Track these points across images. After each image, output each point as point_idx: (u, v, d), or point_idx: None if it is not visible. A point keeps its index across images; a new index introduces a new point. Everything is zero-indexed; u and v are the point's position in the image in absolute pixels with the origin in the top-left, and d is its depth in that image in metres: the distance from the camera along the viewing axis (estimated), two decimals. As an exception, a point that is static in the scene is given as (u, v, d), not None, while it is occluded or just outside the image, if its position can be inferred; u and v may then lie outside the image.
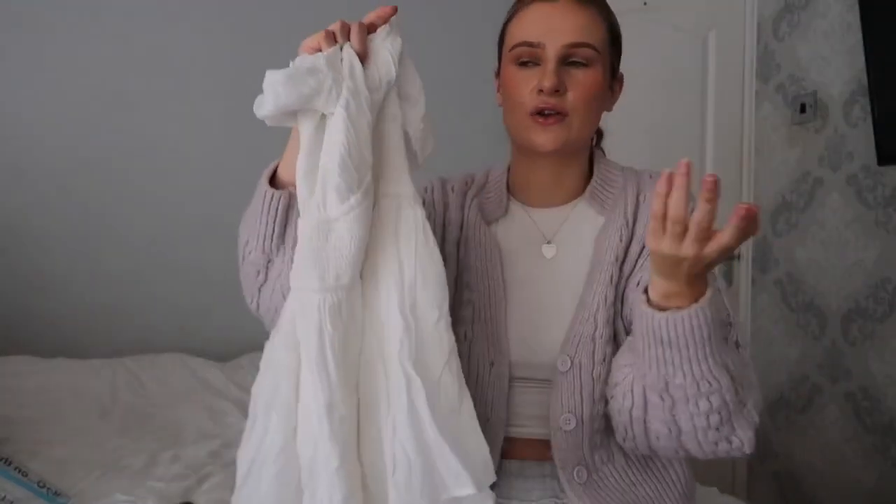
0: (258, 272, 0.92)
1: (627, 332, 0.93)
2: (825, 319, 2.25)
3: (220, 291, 2.28)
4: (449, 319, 0.81)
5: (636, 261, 0.95)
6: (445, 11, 2.50)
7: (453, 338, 0.81)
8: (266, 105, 0.82)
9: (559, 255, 0.99)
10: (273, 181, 0.91)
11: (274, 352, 0.83)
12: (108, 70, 2.14)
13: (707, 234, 0.73)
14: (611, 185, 1.01)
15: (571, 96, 0.93)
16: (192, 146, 2.24)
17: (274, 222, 0.88)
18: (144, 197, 2.18)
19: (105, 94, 2.14)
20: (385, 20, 0.86)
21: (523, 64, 0.95)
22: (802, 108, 2.33)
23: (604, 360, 0.91)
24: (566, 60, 0.93)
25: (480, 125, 2.45)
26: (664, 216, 0.75)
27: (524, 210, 1.03)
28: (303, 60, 0.82)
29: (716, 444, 0.82)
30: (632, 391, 0.84)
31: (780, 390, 2.44)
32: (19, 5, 2.05)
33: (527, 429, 0.95)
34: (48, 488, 1.30)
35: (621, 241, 0.95)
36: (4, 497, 1.25)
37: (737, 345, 0.88)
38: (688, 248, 0.73)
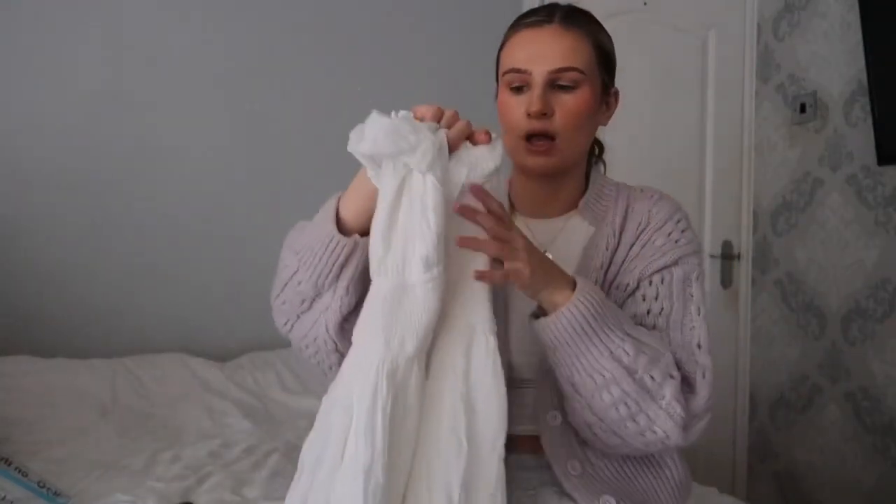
0: (303, 301, 0.92)
1: None
2: (825, 319, 2.25)
3: (220, 291, 2.28)
4: (503, 453, 0.80)
5: (620, 265, 1.00)
6: (450, 13, 2.50)
7: (503, 469, 0.80)
8: (363, 145, 0.81)
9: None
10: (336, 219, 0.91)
11: (330, 408, 0.82)
12: (109, 70, 2.14)
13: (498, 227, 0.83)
14: (603, 198, 1.06)
15: (559, 119, 0.97)
16: (193, 145, 2.23)
17: (333, 265, 0.88)
18: (144, 197, 2.18)
19: (105, 94, 2.14)
20: (486, 140, 0.87)
21: (514, 89, 1.00)
22: (802, 108, 2.33)
23: None
24: (553, 84, 0.97)
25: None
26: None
27: (523, 221, 1.07)
28: (408, 118, 0.83)
29: (642, 434, 0.88)
30: (566, 395, 0.91)
31: (780, 390, 2.44)
32: (19, 5, 2.05)
33: (521, 426, 0.97)
34: (48, 488, 1.30)
35: (607, 249, 1.01)
36: (4, 497, 1.25)
37: (699, 346, 0.95)
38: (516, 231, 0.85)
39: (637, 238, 1.01)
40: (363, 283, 0.87)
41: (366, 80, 2.40)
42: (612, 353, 0.86)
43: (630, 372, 0.86)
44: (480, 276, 0.82)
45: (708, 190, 2.62)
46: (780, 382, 2.44)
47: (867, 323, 2.10)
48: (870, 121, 2.02)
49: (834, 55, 2.22)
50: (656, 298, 0.96)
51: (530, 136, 0.98)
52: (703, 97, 2.61)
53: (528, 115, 0.97)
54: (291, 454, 1.55)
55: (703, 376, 0.93)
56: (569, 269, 0.98)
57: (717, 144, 2.61)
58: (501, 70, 1.03)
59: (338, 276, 0.88)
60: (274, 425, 1.78)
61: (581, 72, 0.97)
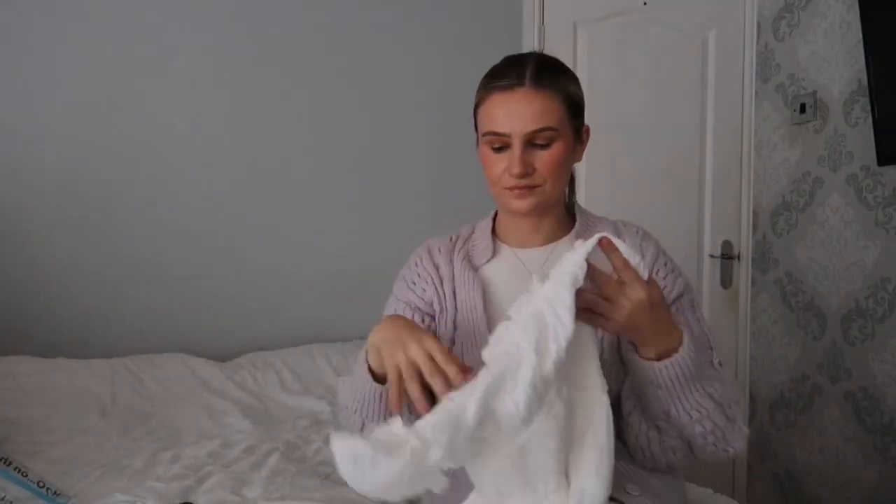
0: (363, 427, 1.04)
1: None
2: (825, 319, 2.25)
3: (220, 291, 2.28)
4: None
5: None
6: (450, 13, 2.50)
7: None
8: (352, 483, 0.74)
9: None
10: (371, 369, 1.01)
11: None
12: (109, 70, 2.14)
13: (632, 271, 0.90)
14: (593, 229, 1.15)
15: (539, 172, 1.07)
16: (194, 146, 2.23)
17: (379, 408, 1.01)
18: (145, 197, 2.18)
19: (105, 94, 2.14)
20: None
21: (495, 149, 1.08)
22: (802, 108, 2.33)
23: (617, 403, 1.02)
24: (530, 141, 1.06)
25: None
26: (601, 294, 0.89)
27: (511, 251, 1.17)
28: (380, 433, 0.74)
29: (715, 454, 1.00)
30: (643, 419, 1.00)
31: (780, 390, 2.44)
32: (19, 4, 2.05)
33: None
34: (48, 488, 1.30)
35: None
36: (4, 497, 1.25)
37: (720, 364, 1.05)
38: (635, 292, 0.89)
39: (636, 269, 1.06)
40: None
41: (367, 82, 2.40)
42: (708, 392, 0.96)
43: (721, 406, 0.97)
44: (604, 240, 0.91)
45: (708, 190, 2.62)
46: (780, 382, 2.44)
47: (867, 323, 2.10)
48: (870, 121, 2.02)
49: (834, 55, 2.22)
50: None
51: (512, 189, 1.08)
52: (703, 97, 2.61)
53: (511, 175, 1.06)
54: (291, 454, 1.55)
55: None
56: None
57: (717, 144, 2.61)
58: (480, 130, 1.11)
59: (387, 415, 0.98)
60: (274, 425, 1.78)
61: (554, 129, 1.05)
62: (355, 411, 1.04)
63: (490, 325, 1.08)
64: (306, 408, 1.93)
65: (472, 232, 1.22)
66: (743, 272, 2.61)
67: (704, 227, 2.62)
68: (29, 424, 1.68)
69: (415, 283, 1.17)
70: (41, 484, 1.30)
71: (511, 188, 1.08)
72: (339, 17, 2.38)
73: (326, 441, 1.63)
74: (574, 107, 1.10)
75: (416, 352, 0.88)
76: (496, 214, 1.22)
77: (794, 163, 2.39)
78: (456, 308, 1.13)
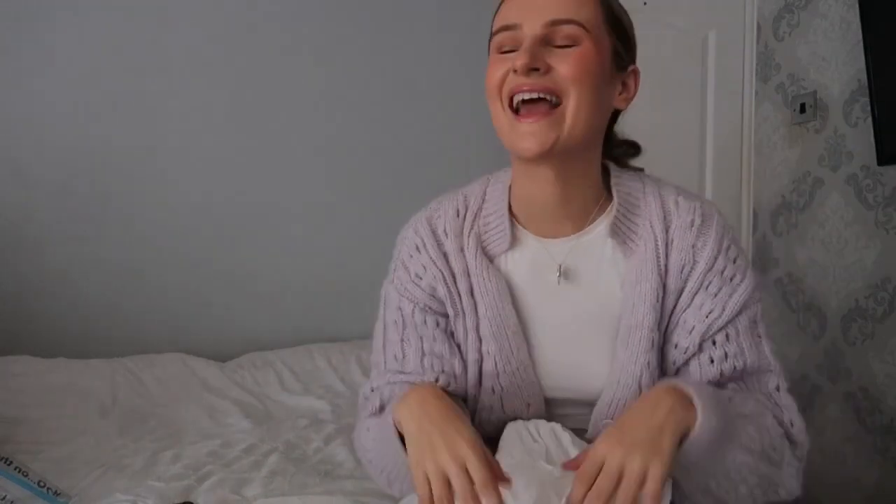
0: (389, 486, 0.91)
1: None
2: (825, 319, 2.25)
3: (220, 291, 2.28)
4: None
5: (669, 317, 0.89)
6: (450, 13, 2.50)
7: None
8: None
9: (573, 285, 0.91)
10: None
11: None
12: (108, 70, 2.14)
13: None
14: (633, 215, 0.90)
15: (557, 75, 0.80)
16: (194, 147, 2.24)
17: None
18: (144, 196, 2.18)
19: (105, 94, 2.14)
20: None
21: (503, 53, 0.84)
22: (802, 108, 2.33)
23: None
24: (549, 42, 0.81)
25: (481, 132, 2.46)
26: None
27: (535, 240, 0.92)
28: None
29: (766, 499, 0.82)
30: (681, 487, 0.81)
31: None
32: (19, 4, 2.05)
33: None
34: (48, 488, 1.30)
35: (658, 300, 0.87)
36: (4, 497, 1.25)
37: (777, 388, 0.88)
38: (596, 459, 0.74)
39: (685, 283, 0.88)
40: None
41: (367, 82, 2.40)
42: (747, 447, 0.79)
43: (760, 456, 0.80)
44: None
45: (708, 190, 2.62)
46: (780, 382, 2.44)
47: (867, 323, 2.10)
48: (870, 121, 2.02)
49: (834, 55, 2.22)
50: (726, 358, 0.87)
51: (516, 110, 0.82)
52: (703, 97, 2.61)
53: (515, 71, 0.80)
54: (291, 454, 1.55)
55: (792, 424, 0.86)
56: (601, 299, 0.89)
57: (717, 144, 2.61)
58: (491, 38, 0.87)
59: None
60: (274, 425, 1.78)
61: (582, 26, 0.80)
62: (385, 480, 0.90)
63: (524, 333, 0.90)
64: (306, 407, 1.93)
65: (484, 200, 0.95)
66: (743, 272, 2.61)
67: (704, 227, 2.62)
68: (29, 424, 1.68)
69: (421, 278, 0.93)
70: (41, 484, 1.30)
71: (514, 98, 0.81)
72: (339, 17, 2.38)
73: (326, 441, 1.64)
74: (615, 21, 0.85)
75: (447, 462, 0.72)
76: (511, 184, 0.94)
77: (794, 163, 2.39)
78: (477, 313, 0.91)
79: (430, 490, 0.72)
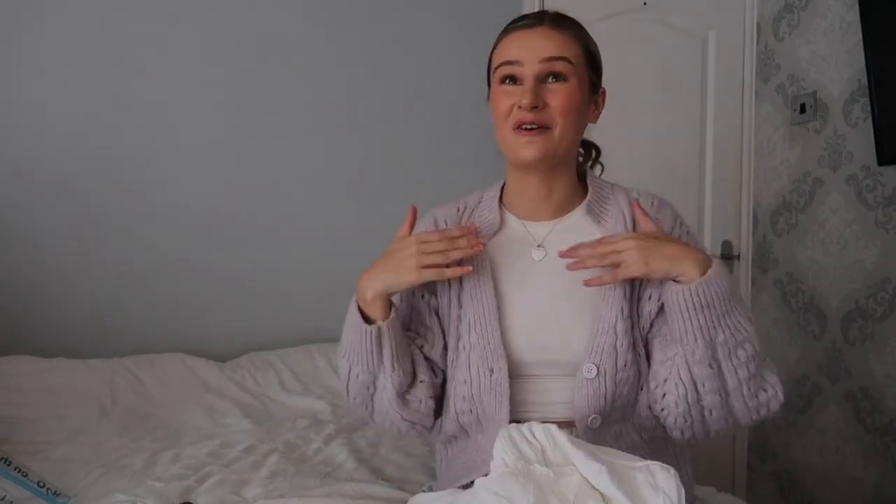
0: (367, 388, 1.09)
1: (644, 342, 1.07)
2: (825, 319, 2.25)
3: (220, 291, 2.28)
4: None
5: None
6: (449, 13, 2.50)
7: None
8: None
9: (548, 257, 1.09)
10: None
11: None
12: (108, 70, 2.14)
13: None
14: (605, 200, 1.13)
15: (551, 109, 1.02)
16: (193, 145, 2.24)
17: (372, 348, 1.03)
18: (144, 197, 2.18)
19: (105, 94, 2.14)
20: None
21: (506, 82, 1.05)
22: (802, 108, 2.33)
23: (625, 365, 1.03)
24: (544, 78, 1.03)
25: (478, 137, 2.46)
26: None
27: (518, 222, 1.14)
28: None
29: (756, 394, 0.99)
30: (681, 378, 0.99)
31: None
32: (19, 4, 2.05)
33: (553, 414, 1.05)
34: (48, 488, 1.30)
35: None
36: (4, 497, 1.25)
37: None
38: (628, 235, 0.99)
39: None
40: (405, 360, 1.06)
41: (366, 82, 2.40)
42: (746, 313, 0.98)
43: (754, 338, 0.98)
44: (590, 283, 1.00)
45: (708, 190, 2.62)
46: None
47: (867, 323, 2.10)
48: (870, 121, 2.02)
49: (834, 55, 2.22)
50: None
51: (521, 127, 1.04)
52: (703, 97, 2.61)
53: (520, 107, 1.02)
54: (291, 454, 1.55)
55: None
56: (576, 272, 1.05)
57: (717, 144, 2.61)
58: (493, 66, 1.08)
59: (381, 357, 1.04)
60: (274, 425, 1.78)
61: (570, 62, 1.03)
62: (344, 357, 1.09)
63: (499, 302, 1.08)
64: (306, 408, 1.93)
65: (480, 201, 1.18)
66: (743, 272, 2.61)
67: (704, 227, 2.62)
68: (29, 424, 1.68)
69: None
70: (41, 484, 1.30)
71: (519, 126, 1.03)
72: (339, 17, 2.38)
73: (326, 441, 1.64)
74: (592, 58, 1.09)
75: (417, 249, 0.99)
76: (504, 185, 1.18)
77: (794, 163, 2.39)
78: (461, 285, 1.10)
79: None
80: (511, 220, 1.14)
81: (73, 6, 2.10)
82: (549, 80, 1.03)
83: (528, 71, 1.02)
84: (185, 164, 2.23)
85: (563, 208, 1.13)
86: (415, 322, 1.15)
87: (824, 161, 2.26)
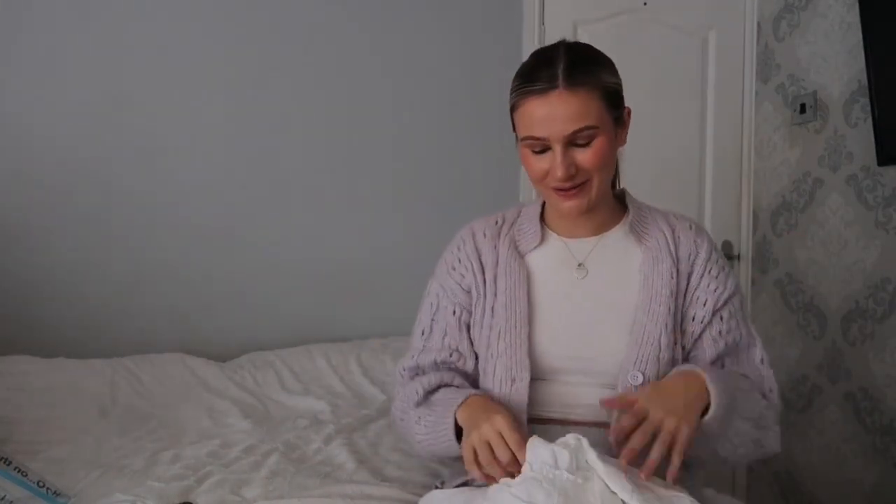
0: (429, 457, 1.23)
1: (685, 360, 1.12)
2: (825, 319, 2.25)
3: (220, 291, 2.28)
4: None
5: (684, 294, 1.13)
6: (449, 13, 2.50)
7: None
8: None
9: (591, 274, 1.14)
10: None
11: None
12: (109, 70, 2.14)
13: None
14: (645, 220, 1.17)
15: (583, 170, 1.04)
16: (194, 146, 2.23)
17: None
18: (145, 197, 2.18)
19: (105, 95, 2.14)
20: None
21: (536, 151, 1.06)
22: (802, 108, 2.33)
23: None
24: (572, 142, 1.03)
25: (482, 140, 2.45)
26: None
27: (560, 240, 1.17)
28: None
29: (752, 455, 1.11)
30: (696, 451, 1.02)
31: (780, 390, 2.43)
32: (19, 5, 2.05)
33: (577, 416, 1.10)
34: (48, 488, 1.30)
35: (673, 277, 1.12)
36: (4, 497, 1.25)
37: (762, 361, 1.16)
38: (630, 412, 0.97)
39: (692, 268, 1.14)
40: None
41: (368, 81, 2.40)
42: (741, 415, 1.04)
43: (754, 423, 1.06)
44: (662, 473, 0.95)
45: (708, 190, 2.62)
46: (779, 382, 2.43)
47: (867, 323, 2.10)
48: (870, 121, 2.02)
49: (834, 55, 2.22)
50: (729, 332, 1.13)
51: (560, 189, 1.07)
52: (703, 97, 2.61)
53: (555, 178, 1.05)
54: (291, 454, 1.55)
55: (771, 390, 1.15)
56: (618, 283, 1.13)
57: (717, 145, 2.61)
58: (519, 134, 1.08)
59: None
60: (274, 425, 1.78)
61: (593, 127, 1.02)
62: (419, 443, 1.13)
63: (532, 314, 1.11)
64: (306, 408, 1.93)
65: (519, 216, 1.21)
66: (743, 272, 2.61)
67: (704, 228, 2.62)
68: (29, 424, 1.68)
69: (454, 269, 1.18)
70: (41, 484, 1.30)
71: (557, 190, 1.07)
72: (339, 17, 2.38)
73: (326, 441, 1.64)
74: (612, 97, 1.06)
75: (488, 430, 0.96)
76: (545, 202, 1.19)
77: (794, 163, 2.39)
78: (496, 295, 1.13)
79: (476, 459, 0.96)
80: (552, 237, 1.17)
81: (73, 8, 2.10)
82: (578, 141, 1.04)
83: (556, 145, 1.03)
84: (185, 164, 2.23)
85: (604, 226, 1.16)
86: (452, 343, 1.18)
87: (824, 161, 2.26)
